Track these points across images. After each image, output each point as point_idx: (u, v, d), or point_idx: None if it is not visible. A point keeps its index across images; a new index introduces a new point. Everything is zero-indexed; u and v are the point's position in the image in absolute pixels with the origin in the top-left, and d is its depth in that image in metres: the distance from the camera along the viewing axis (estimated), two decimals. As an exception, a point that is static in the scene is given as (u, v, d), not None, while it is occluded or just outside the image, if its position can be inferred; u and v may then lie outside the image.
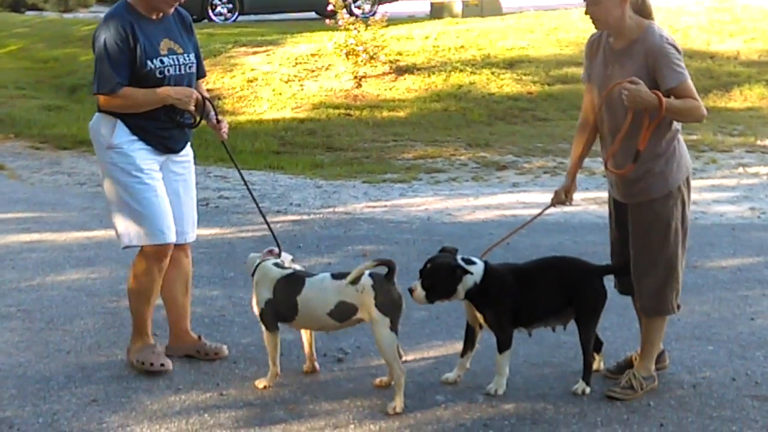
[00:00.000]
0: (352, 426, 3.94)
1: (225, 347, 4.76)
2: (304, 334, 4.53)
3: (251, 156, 10.48)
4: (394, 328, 4.10)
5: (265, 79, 13.95)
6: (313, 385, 4.41)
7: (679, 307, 4.27)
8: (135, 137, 4.44)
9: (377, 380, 4.40)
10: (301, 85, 13.73)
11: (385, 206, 8.25)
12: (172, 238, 4.53)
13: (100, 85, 4.39)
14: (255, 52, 15.32)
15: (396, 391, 4.13)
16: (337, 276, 4.24)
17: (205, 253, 6.53)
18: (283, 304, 4.24)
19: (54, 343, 4.98)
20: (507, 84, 13.61)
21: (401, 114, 12.50)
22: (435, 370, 4.57)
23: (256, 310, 4.36)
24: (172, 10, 4.49)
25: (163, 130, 4.50)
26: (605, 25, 4.12)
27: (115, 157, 4.45)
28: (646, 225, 4.14)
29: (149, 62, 4.38)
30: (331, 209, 8.16)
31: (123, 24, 4.35)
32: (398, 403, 4.11)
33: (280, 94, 13.47)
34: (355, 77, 13.67)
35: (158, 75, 4.41)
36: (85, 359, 4.76)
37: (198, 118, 4.56)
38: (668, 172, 4.10)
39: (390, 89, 13.55)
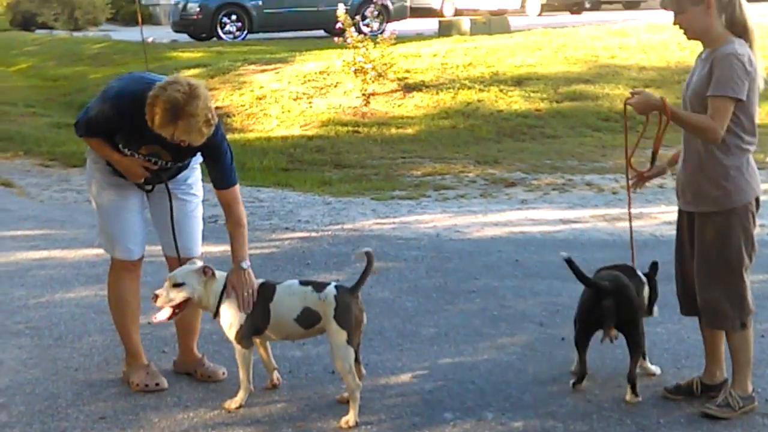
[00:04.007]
0: (361, 444, 3.93)
1: (222, 371, 4.71)
2: (260, 348, 4.49)
3: (260, 173, 10.50)
4: (351, 341, 4.10)
5: (274, 97, 14.00)
6: (321, 402, 4.39)
7: (744, 325, 4.17)
8: (110, 168, 4.49)
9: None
10: (310, 103, 13.77)
11: (394, 223, 8.25)
12: (136, 254, 4.59)
13: (78, 124, 4.41)
14: (264, 70, 15.39)
15: (350, 404, 4.13)
16: (305, 283, 4.28)
17: (213, 270, 6.53)
18: (259, 314, 4.24)
19: (62, 360, 4.98)
20: (515, 101, 13.63)
21: (410, 131, 12.52)
22: (444, 387, 4.55)
23: (232, 330, 4.26)
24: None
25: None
26: (693, 33, 4.10)
27: (95, 169, 4.53)
28: (707, 238, 4.11)
29: (121, 146, 4.34)
30: (339, 226, 8.16)
31: (121, 115, 4.19)
32: (351, 416, 4.11)
33: (289, 111, 13.51)
34: (364, 94, 13.72)
35: (129, 154, 4.38)
36: (94, 376, 4.75)
37: (150, 188, 4.54)
38: (734, 187, 4.04)
39: (398, 106, 13.59)
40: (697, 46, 4.22)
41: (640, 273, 4.67)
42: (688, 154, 4.17)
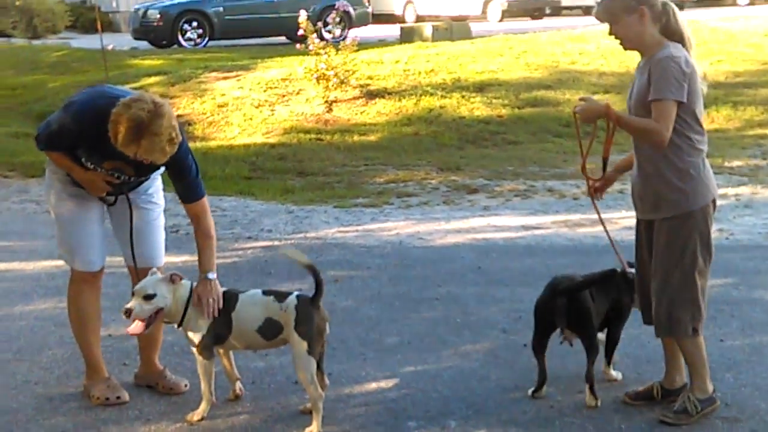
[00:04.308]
0: (324, 454, 3.92)
1: (183, 383, 4.69)
2: (223, 359, 4.48)
3: (222, 181, 10.45)
4: (312, 352, 4.10)
5: (236, 104, 13.95)
6: (284, 413, 4.38)
7: (695, 331, 4.17)
8: (69, 178, 4.45)
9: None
10: (272, 110, 13.73)
11: (357, 231, 8.25)
12: (97, 265, 4.56)
13: (39, 138, 4.35)
14: (225, 77, 15.32)
15: (313, 415, 4.13)
16: (268, 293, 4.27)
17: (175, 281, 6.48)
18: (221, 323, 4.23)
19: (21, 374, 4.92)
20: (477, 107, 13.69)
21: (372, 138, 12.53)
22: (407, 396, 4.56)
23: (196, 340, 4.26)
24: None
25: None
26: (629, 43, 4.13)
27: (54, 180, 4.48)
28: (663, 242, 4.12)
29: (83, 160, 4.31)
30: (302, 234, 8.15)
31: (83, 131, 4.16)
32: (315, 427, 4.11)
33: (251, 119, 13.47)
34: (326, 101, 13.70)
35: (91, 168, 4.33)
36: (54, 390, 4.70)
37: (113, 200, 4.51)
38: (691, 189, 4.06)
39: (361, 113, 13.59)
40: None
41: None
42: (641, 161, 4.19)
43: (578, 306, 4.42)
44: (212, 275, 4.30)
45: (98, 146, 4.16)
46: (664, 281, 4.14)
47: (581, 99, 4.25)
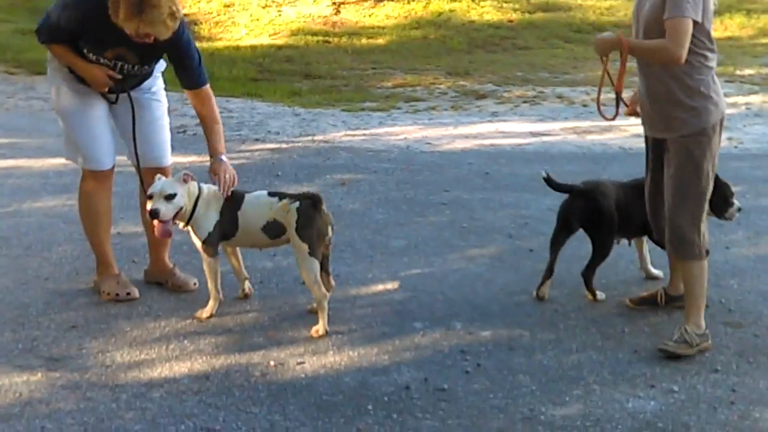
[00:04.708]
0: (331, 352, 3.98)
1: (193, 281, 4.74)
2: (232, 258, 4.55)
3: (229, 83, 10.38)
4: (314, 253, 4.13)
5: (242, 4, 13.77)
6: (291, 312, 4.43)
7: (708, 252, 4.13)
8: (72, 75, 4.38)
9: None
10: (279, 11, 13.56)
11: (364, 135, 8.22)
12: (108, 164, 4.53)
13: (39, 31, 4.27)
14: (232, -23, 15.07)
15: (319, 314, 4.19)
16: (273, 194, 4.30)
17: (183, 181, 6.50)
18: (227, 222, 4.27)
19: (32, 269, 4.97)
20: (487, 12, 13.50)
21: (380, 41, 12.38)
22: (413, 299, 4.61)
23: (200, 236, 4.28)
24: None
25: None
26: None
27: (58, 78, 4.42)
28: (678, 162, 4.02)
29: (86, 51, 4.22)
30: (309, 137, 8.12)
31: (85, 16, 4.08)
32: (321, 326, 4.17)
33: (258, 20, 13.31)
34: (334, 3, 13.52)
35: (93, 59, 4.26)
36: (64, 286, 4.75)
37: (115, 97, 4.46)
38: (701, 109, 3.97)
39: (369, 16, 13.42)
40: None
41: None
42: (651, 80, 4.09)
43: (593, 209, 4.50)
44: (224, 157, 4.37)
45: (100, 33, 4.11)
46: (679, 202, 4.07)
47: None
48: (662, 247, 4.39)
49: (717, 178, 4.33)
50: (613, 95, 4.21)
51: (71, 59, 4.28)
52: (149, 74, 4.50)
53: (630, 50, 3.95)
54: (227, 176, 4.30)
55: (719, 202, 4.44)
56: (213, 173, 4.34)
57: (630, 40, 3.98)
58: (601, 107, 4.27)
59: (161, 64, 4.55)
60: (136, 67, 4.33)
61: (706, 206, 4.10)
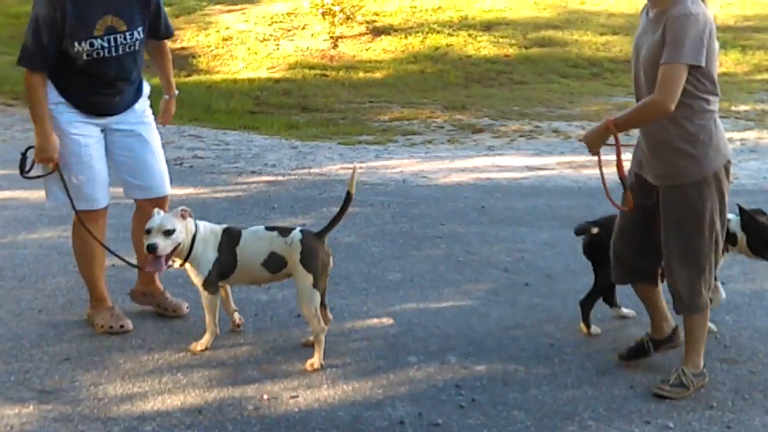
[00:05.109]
0: (325, 386, 3.96)
1: (185, 306, 4.74)
2: (221, 290, 4.46)
3: (226, 115, 10.42)
4: (317, 285, 4.13)
5: (241, 38, 13.85)
6: (286, 345, 4.42)
7: (711, 301, 3.99)
8: (63, 99, 4.33)
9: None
10: (277, 45, 13.64)
11: (361, 168, 8.23)
12: (100, 204, 4.50)
13: (21, 57, 4.25)
14: (230, 10, 15.19)
15: (315, 347, 4.17)
16: (271, 228, 4.29)
17: (178, 213, 6.49)
18: (226, 259, 4.24)
19: (26, 301, 4.95)
20: (484, 46, 13.58)
21: (377, 75, 12.45)
22: (408, 332, 4.59)
23: (201, 276, 4.23)
24: None
25: (91, 96, 4.37)
26: None
27: (57, 119, 4.34)
28: (677, 213, 3.83)
29: (76, 44, 4.19)
30: (306, 170, 8.14)
31: (61, 4, 4.10)
32: (317, 359, 4.15)
33: (256, 53, 13.38)
34: (332, 37, 13.60)
35: (86, 57, 4.23)
36: (57, 318, 4.74)
37: (33, 175, 4.41)
38: (702, 156, 3.74)
39: (366, 50, 13.49)
40: None
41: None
42: (649, 129, 3.88)
43: (591, 244, 4.53)
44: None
45: (79, 6, 4.12)
46: (683, 254, 3.85)
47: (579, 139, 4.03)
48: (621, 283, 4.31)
49: (756, 220, 4.30)
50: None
51: (40, 104, 4.23)
52: (140, 54, 4.46)
53: (619, 128, 3.75)
54: (170, 111, 4.83)
55: (759, 245, 4.33)
56: (167, 107, 4.78)
57: (616, 118, 3.76)
58: (611, 196, 3.99)
59: (147, 88, 4.60)
60: (128, 37, 4.28)
61: (717, 256, 3.90)
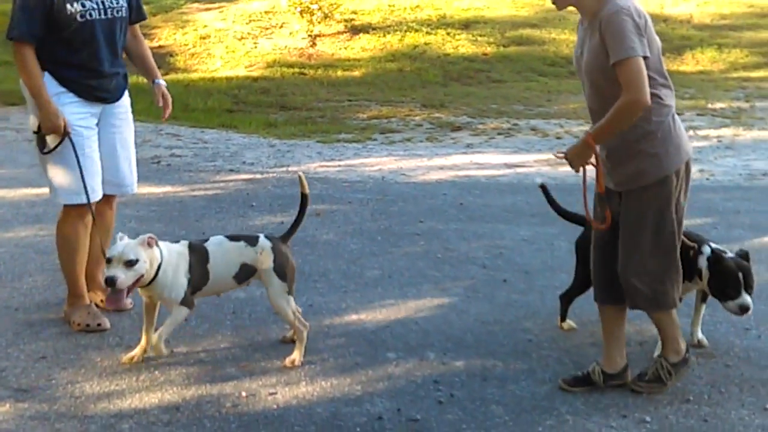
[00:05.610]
0: (304, 383, 3.95)
1: (129, 301, 4.69)
2: (146, 316, 4.17)
3: (204, 114, 10.38)
4: (290, 290, 4.14)
5: (218, 36, 13.81)
6: (264, 343, 4.41)
7: (681, 299, 3.93)
8: (63, 89, 4.34)
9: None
10: (255, 43, 13.61)
11: (339, 166, 8.23)
12: (96, 196, 4.50)
13: (10, 29, 4.24)
14: (208, 9, 15.14)
15: (297, 345, 4.17)
16: (233, 238, 4.21)
17: (156, 211, 6.46)
18: (199, 277, 4.09)
19: (2, 299, 4.92)
20: (462, 45, 13.61)
21: (356, 74, 12.45)
22: (386, 329, 4.59)
23: (177, 297, 4.01)
24: None
25: (91, 79, 4.40)
26: (560, 2, 3.73)
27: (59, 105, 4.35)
28: (639, 215, 3.72)
29: (68, 5, 4.22)
30: (284, 168, 8.13)
31: None
32: (297, 356, 4.14)
33: (234, 51, 13.35)
34: (310, 36, 13.58)
35: (79, 19, 4.26)
36: (34, 316, 4.70)
37: (52, 147, 4.36)
38: (663, 154, 3.65)
39: (345, 48, 13.49)
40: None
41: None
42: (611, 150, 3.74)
43: (584, 241, 4.35)
44: (161, 80, 4.79)
45: None
46: (646, 254, 3.75)
47: (556, 155, 3.85)
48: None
49: (722, 263, 4.10)
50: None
51: (35, 75, 4.23)
52: (125, 28, 4.53)
53: (599, 140, 3.62)
54: (168, 100, 4.72)
55: (717, 288, 4.16)
56: (160, 96, 4.68)
57: (592, 132, 3.63)
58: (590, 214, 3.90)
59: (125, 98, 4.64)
60: (114, 1, 4.38)
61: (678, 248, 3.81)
